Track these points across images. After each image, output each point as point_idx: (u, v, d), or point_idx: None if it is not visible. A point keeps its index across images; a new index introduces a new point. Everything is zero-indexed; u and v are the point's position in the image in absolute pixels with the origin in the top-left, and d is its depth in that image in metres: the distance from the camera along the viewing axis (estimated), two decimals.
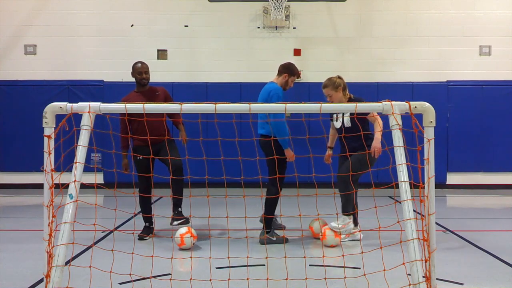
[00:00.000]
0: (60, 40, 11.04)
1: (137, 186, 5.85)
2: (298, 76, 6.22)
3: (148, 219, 6.07)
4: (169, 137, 5.86)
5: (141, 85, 6.03)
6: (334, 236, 5.54)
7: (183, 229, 5.52)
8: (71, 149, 3.27)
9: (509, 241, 6.05)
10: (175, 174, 5.57)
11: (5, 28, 11.03)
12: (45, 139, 3.20)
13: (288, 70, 6.10)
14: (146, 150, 5.70)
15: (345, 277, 3.96)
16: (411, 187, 3.17)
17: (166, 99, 6.05)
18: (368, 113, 5.60)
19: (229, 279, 4.00)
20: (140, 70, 6.03)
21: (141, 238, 5.95)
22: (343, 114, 5.77)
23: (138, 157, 5.79)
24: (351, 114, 5.67)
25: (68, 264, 3.57)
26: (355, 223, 5.86)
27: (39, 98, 10.54)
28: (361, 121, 5.60)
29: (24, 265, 4.99)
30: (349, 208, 5.71)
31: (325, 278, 3.89)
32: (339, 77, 5.95)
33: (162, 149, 5.82)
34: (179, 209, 5.79)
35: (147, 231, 6.05)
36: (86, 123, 3.26)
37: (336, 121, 5.89)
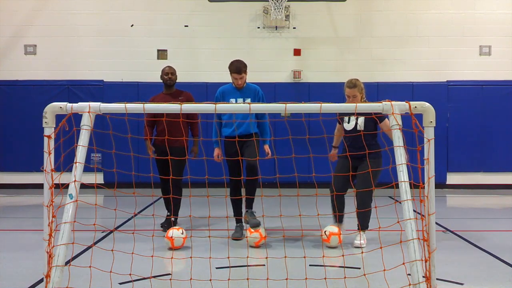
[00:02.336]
0: (60, 40, 11.04)
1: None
2: (235, 72, 6.07)
3: (169, 209, 6.36)
4: (183, 144, 6.17)
5: (168, 86, 6.48)
6: (338, 241, 5.53)
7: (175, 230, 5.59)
8: (71, 149, 3.27)
9: (509, 241, 6.05)
10: (174, 191, 5.96)
11: (5, 28, 11.03)
12: (45, 139, 3.20)
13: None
14: (162, 149, 6.14)
15: (345, 277, 3.95)
16: (411, 187, 3.16)
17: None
18: (383, 119, 5.43)
19: (229, 279, 4.00)
20: (166, 71, 6.50)
21: (168, 227, 6.03)
22: (357, 116, 5.60)
23: (154, 154, 6.29)
24: (366, 117, 5.55)
25: (68, 264, 3.57)
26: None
27: (39, 98, 10.52)
28: (372, 125, 5.55)
29: (24, 265, 4.99)
30: (367, 223, 5.66)
31: (325, 278, 3.89)
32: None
33: (174, 154, 5.89)
34: (173, 219, 6.22)
35: (169, 222, 6.27)
36: (86, 123, 3.26)
37: (348, 123, 5.71)
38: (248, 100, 6.07)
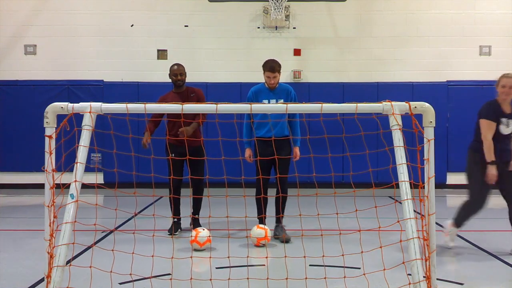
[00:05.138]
0: (60, 40, 11.04)
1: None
2: (268, 70, 5.98)
3: (176, 215, 6.31)
4: (201, 144, 6.10)
5: (177, 86, 6.28)
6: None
7: (206, 233, 5.58)
8: (72, 149, 3.27)
9: (509, 241, 6.05)
10: (195, 192, 6.08)
11: (5, 28, 11.03)
12: (46, 139, 3.20)
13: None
14: (178, 149, 5.99)
15: (344, 277, 3.96)
16: (411, 187, 3.17)
17: (199, 101, 6.23)
18: None
19: (229, 279, 4.00)
20: (175, 72, 6.24)
21: (170, 233, 6.18)
22: None
23: (171, 154, 5.99)
24: None
25: (69, 264, 3.57)
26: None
27: (39, 98, 10.54)
28: None
29: (24, 265, 4.99)
30: None
31: (325, 278, 3.89)
32: None
33: (192, 154, 5.87)
34: (197, 216, 6.31)
35: (176, 227, 6.30)
36: (87, 123, 3.26)
37: (508, 126, 5.41)
38: (281, 101, 5.98)
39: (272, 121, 5.94)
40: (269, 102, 5.98)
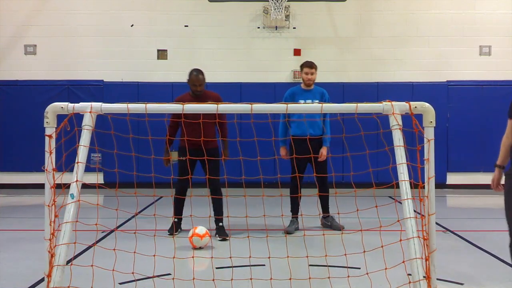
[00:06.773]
0: (60, 40, 11.04)
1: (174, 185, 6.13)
2: (306, 66, 6.42)
3: (178, 215, 6.27)
4: (216, 145, 6.11)
5: (195, 95, 6.12)
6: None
7: (203, 230, 5.54)
8: (73, 149, 3.27)
9: (509, 241, 6.05)
10: (213, 194, 5.98)
11: (5, 28, 11.03)
12: (46, 138, 3.21)
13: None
14: (190, 153, 5.68)
15: (348, 276, 3.96)
16: (411, 187, 3.17)
17: None
18: None
19: (232, 279, 4.00)
20: (194, 82, 6.07)
21: (171, 233, 6.15)
22: None
23: (182, 158, 5.89)
24: None
25: (69, 264, 3.57)
26: None
27: (39, 98, 10.53)
28: None
29: (24, 265, 5.00)
30: None
31: (328, 277, 3.89)
32: None
33: (210, 156, 5.73)
34: (220, 224, 6.06)
35: (177, 226, 6.26)
36: (88, 123, 3.26)
37: None
38: (316, 101, 6.19)
39: (297, 119, 6.14)
40: (305, 102, 6.17)
